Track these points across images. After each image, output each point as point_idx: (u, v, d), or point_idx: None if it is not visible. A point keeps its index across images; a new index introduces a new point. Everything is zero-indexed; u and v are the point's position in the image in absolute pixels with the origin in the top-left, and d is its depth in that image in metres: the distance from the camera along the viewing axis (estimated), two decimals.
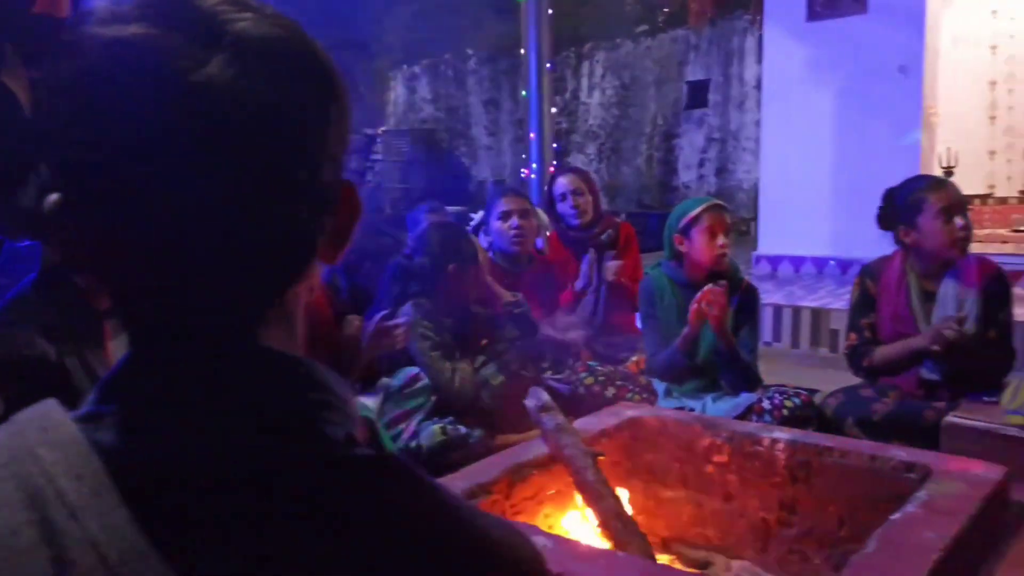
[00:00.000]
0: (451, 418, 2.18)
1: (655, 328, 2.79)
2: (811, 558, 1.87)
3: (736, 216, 10.47)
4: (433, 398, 2.32)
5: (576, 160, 12.41)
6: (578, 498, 1.75)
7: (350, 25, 11.21)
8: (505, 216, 3.12)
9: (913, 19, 5.50)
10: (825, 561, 1.85)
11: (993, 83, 7.30)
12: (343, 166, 0.51)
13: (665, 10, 10.27)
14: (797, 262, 6.08)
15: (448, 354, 2.45)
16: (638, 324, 2.97)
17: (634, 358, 3.14)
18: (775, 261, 6.20)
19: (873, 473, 1.78)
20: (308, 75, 0.48)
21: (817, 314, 4.54)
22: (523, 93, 5.44)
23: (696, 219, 2.69)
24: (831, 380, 2.92)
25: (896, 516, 1.44)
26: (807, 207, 5.98)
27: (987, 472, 1.60)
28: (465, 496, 1.60)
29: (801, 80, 5.97)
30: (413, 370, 2.35)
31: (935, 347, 2.42)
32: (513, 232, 3.09)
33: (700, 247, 2.68)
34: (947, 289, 2.60)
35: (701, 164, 11.13)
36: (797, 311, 4.61)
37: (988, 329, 2.55)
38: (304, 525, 0.40)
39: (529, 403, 1.75)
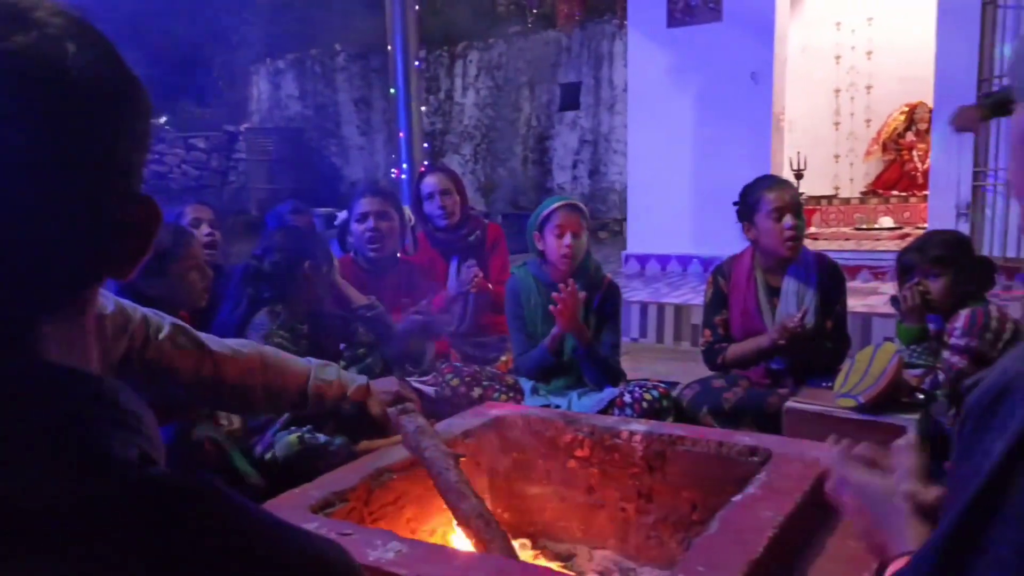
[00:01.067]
0: (309, 427, 2.14)
1: (521, 328, 2.84)
2: (667, 542, 1.97)
3: (608, 216, 10.78)
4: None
5: (451, 160, 12.41)
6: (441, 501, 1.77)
7: (207, 15, 10.78)
8: (362, 218, 3.03)
9: (764, 29, 5.83)
10: (680, 544, 1.94)
11: (837, 91, 7.86)
12: (140, 177, 0.50)
13: (534, 11, 10.42)
14: (663, 260, 6.33)
15: None
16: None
17: (503, 358, 3.18)
18: (643, 260, 6.43)
19: (721, 458, 1.89)
20: (87, 77, 0.45)
21: (680, 310, 4.75)
22: (392, 91, 5.41)
23: (549, 217, 2.75)
24: (693, 372, 3.05)
25: (737, 498, 1.53)
26: (671, 208, 6.23)
27: (821, 453, 1.71)
28: (320, 506, 1.58)
29: (663, 84, 6.22)
30: None
31: (781, 342, 2.59)
32: (369, 235, 3.03)
33: (551, 246, 2.74)
34: (789, 285, 2.78)
35: (575, 165, 11.35)
36: (662, 308, 4.80)
37: (826, 320, 2.74)
38: (88, 551, 0.38)
39: (390, 408, 1.75)
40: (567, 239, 2.71)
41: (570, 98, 11.22)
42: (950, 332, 2.33)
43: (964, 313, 2.30)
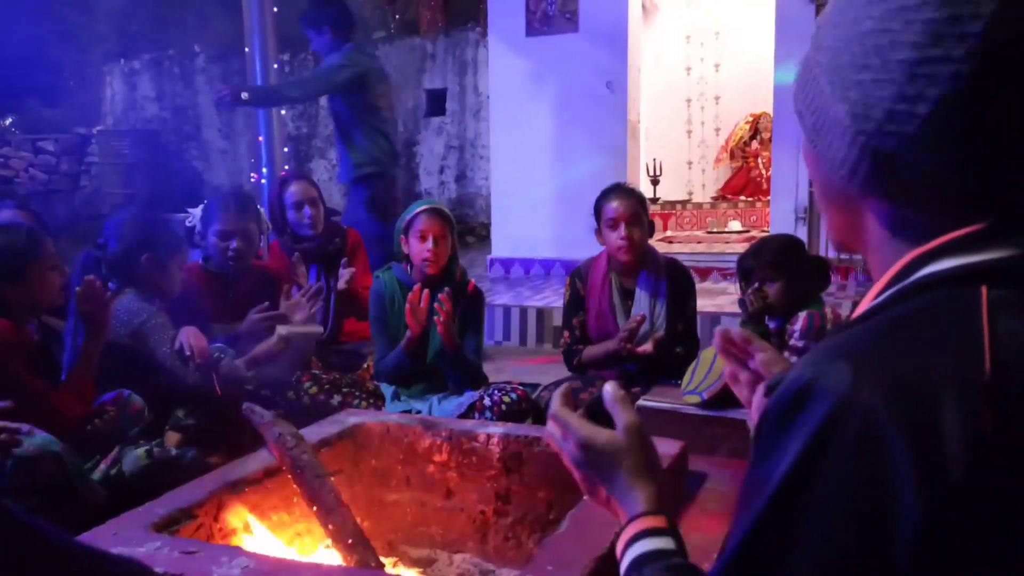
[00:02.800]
0: (158, 440, 2.03)
1: (384, 332, 2.80)
2: (524, 543, 1.98)
3: (476, 221, 10.83)
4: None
5: (318, 165, 12.13)
6: (301, 512, 1.71)
7: (53, 12, 10.08)
8: (223, 236, 2.87)
9: (618, 41, 6.01)
10: (537, 544, 1.96)
11: (688, 101, 8.22)
12: None
13: (397, 17, 10.34)
14: (527, 264, 6.41)
15: None
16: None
17: (366, 364, 3.13)
18: (507, 264, 6.49)
19: None
20: None
21: (542, 313, 4.82)
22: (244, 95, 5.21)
23: (413, 222, 2.74)
24: (556, 373, 3.10)
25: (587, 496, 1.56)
26: (534, 213, 6.32)
27: (668, 447, 1.77)
28: (164, 523, 1.49)
29: (523, 92, 6.30)
30: (113, 392, 2.15)
31: (627, 345, 2.67)
32: (231, 254, 2.87)
33: (414, 250, 2.73)
34: (642, 288, 2.87)
35: (442, 171, 11.34)
36: (524, 311, 4.86)
37: (677, 322, 2.85)
38: None
39: (252, 415, 1.68)
40: (430, 243, 2.70)
41: (436, 104, 11.20)
42: (790, 334, 2.46)
43: (802, 316, 2.43)
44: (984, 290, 0.53)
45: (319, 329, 2.71)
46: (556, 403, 0.85)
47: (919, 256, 0.58)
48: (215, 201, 2.96)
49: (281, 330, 2.46)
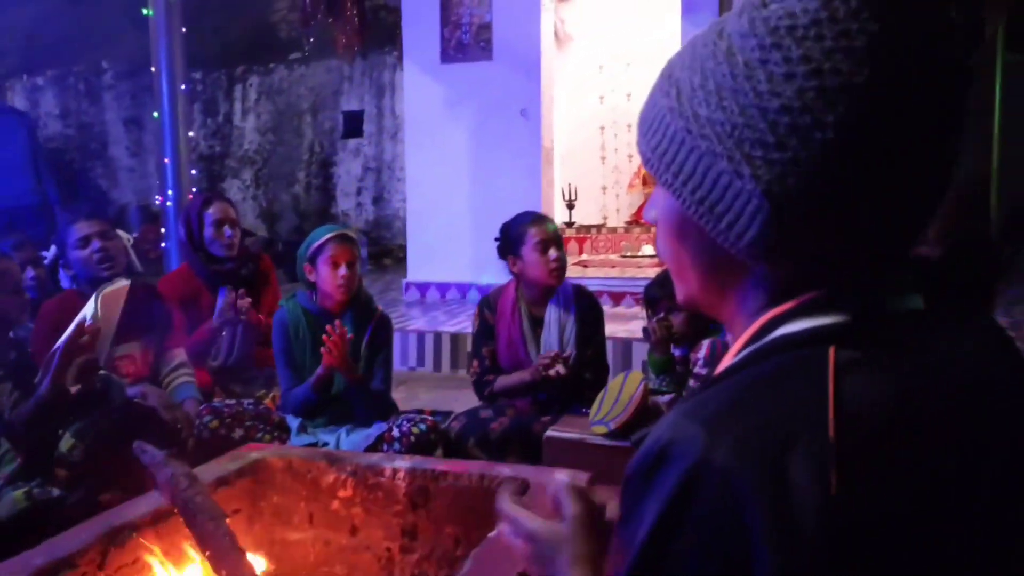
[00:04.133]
0: (38, 479, 1.88)
1: (289, 362, 2.72)
2: None
3: (393, 243, 10.74)
4: (19, 459, 1.99)
5: (231, 185, 11.83)
6: (195, 555, 1.62)
7: None
8: (83, 242, 2.65)
9: (531, 69, 6.09)
10: None
11: (602, 128, 8.36)
12: None
13: (311, 40, 10.21)
14: (443, 288, 6.38)
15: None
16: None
17: (272, 393, 3.03)
18: (423, 288, 6.44)
19: (483, 491, 1.88)
20: None
21: (457, 339, 4.78)
22: (155, 115, 5.04)
23: (321, 248, 2.67)
24: (469, 401, 3.06)
25: (492, 533, 1.53)
26: (450, 236, 6.30)
27: (574, 478, 1.75)
28: (42, 575, 1.39)
29: (439, 117, 6.31)
30: None
31: (544, 373, 2.66)
32: (98, 256, 2.64)
33: (324, 277, 2.66)
34: (551, 315, 2.87)
35: (359, 192, 11.23)
36: (439, 336, 4.82)
37: (586, 349, 2.85)
38: None
39: (143, 455, 1.58)
40: (342, 270, 2.64)
41: (353, 126, 11.11)
42: (694, 361, 2.49)
43: (705, 344, 2.47)
44: (832, 350, 0.54)
45: (125, 282, 2.45)
46: (503, 501, 0.84)
47: (774, 317, 0.59)
48: (63, 218, 2.80)
49: (86, 309, 2.18)
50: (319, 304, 2.73)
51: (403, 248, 9.29)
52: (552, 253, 2.75)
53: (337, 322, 2.57)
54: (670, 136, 0.62)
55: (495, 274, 5.08)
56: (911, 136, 0.54)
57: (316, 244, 2.68)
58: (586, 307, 2.89)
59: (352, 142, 11.19)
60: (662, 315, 2.56)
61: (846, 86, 0.53)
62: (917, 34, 0.54)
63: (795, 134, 0.54)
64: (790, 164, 0.55)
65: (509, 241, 2.86)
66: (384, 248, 10.81)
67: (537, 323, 2.88)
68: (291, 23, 10.68)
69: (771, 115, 0.55)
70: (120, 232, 2.87)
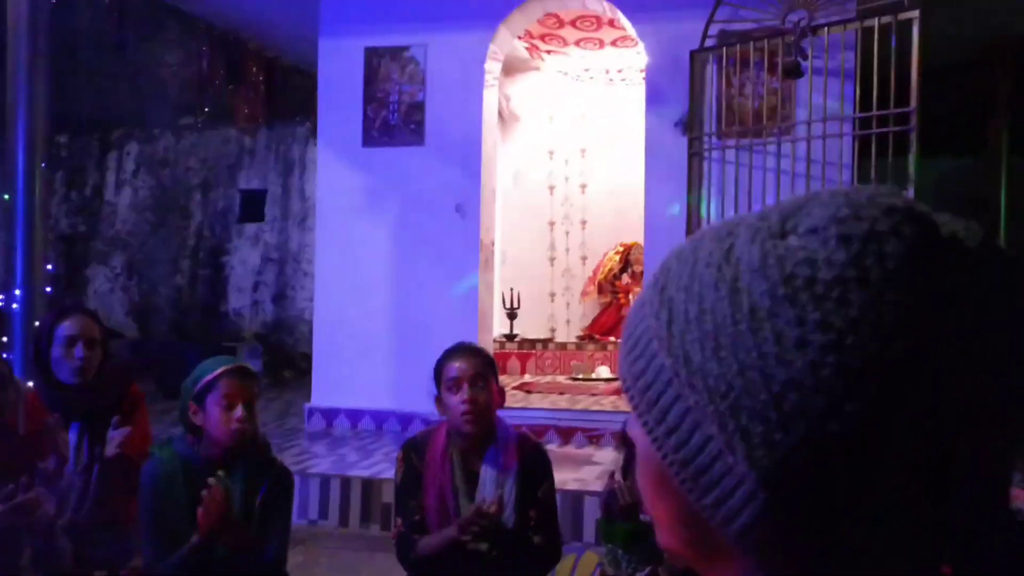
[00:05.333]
0: None
1: (158, 529, 2.60)
2: None
3: (295, 350, 10.61)
4: None
5: (97, 273, 11.63)
6: None
7: None
8: None
9: (470, 154, 6.24)
10: None
11: (552, 224, 8.53)
12: None
13: (206, 109, 10.31)
14: (354, 416, 6.29)
15: None
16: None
17: (133, 562, 2.91)
18: (330, 415, 6.34)
19: None
20: None
21: (369, 485, 4.68)
22: (6, 196, 4.96)
23: (212, 385, 2.61)
24: (384, 566, 2.96)
25: None
26: (365, 349, 6.26)
27: None
28: None
29: (357, 206, 6.37)
30: None
31: (474, 528, 2.60)
32: None
33: (215, 420, 2.58)
34: (488, 468, 2.83)
35: (256, 288, 11.13)
36: (347, 482, 4.71)
37: (528, 508, 2.82)
38: None
39: None
40: (237, 411, 2.57)
41: (253, 208, 11.12)
42: None
43: None
44: None
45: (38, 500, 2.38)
46: None
47: None
48: None
49: None
50: (205, 453, 2.65)
51: (307, 357, 9.18)
52: (463, 392, 2.75)
53: (220, 473, 2.49)
54: (655, 370, 0.61)
55: (422, 400, 4.99)
56: (953, 436, 0.54)
57: (207, 379, 2.62)
58: (531, 461, 2.87)
59: (250, 227, 11.17)
60: (631, 479, 2.54)
61: (873, 368, 0.52)
62: (964, 305, 0.54)
63: (804, 418, 0.53)
64: (796, 452, 0.54)
65: (435, 378, 2.86)
66: (285, 356, 10.66)
67: (471, 476, 2.84)
68: (184, 81, 10.79)
69: (776, 386, 0.54)
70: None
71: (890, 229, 0.54)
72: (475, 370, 2.78)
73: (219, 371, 2.62)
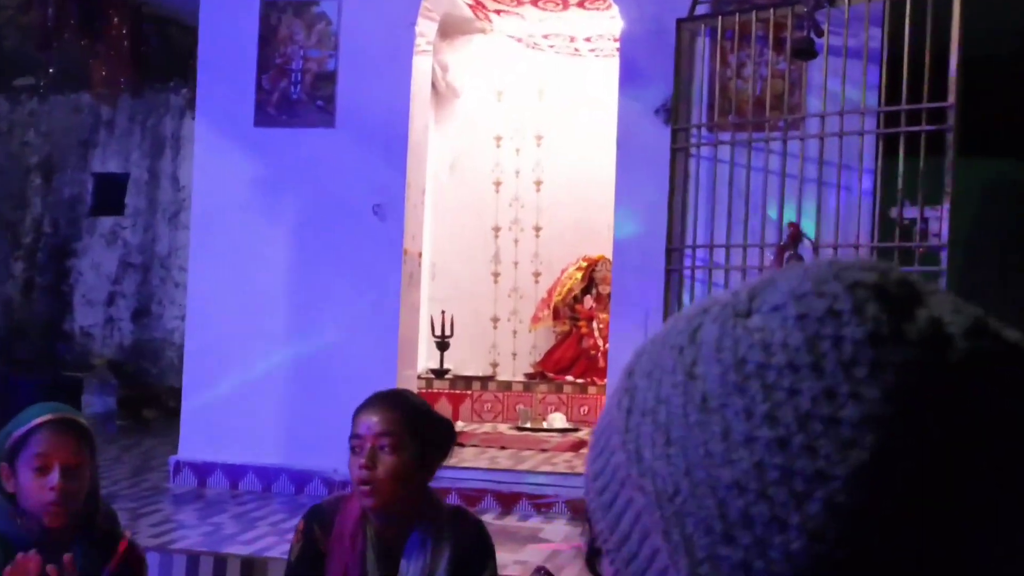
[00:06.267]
0: None
1: None
2: None
3: (162, 384, 10.49)
4: None
5: None
6: None
7: None
8: None
9: (393, 142, 6.25)
10: None
11: (496, 230, 8.56)
12: None
13: (51, 69, 10.17)
14: (234, 473, 6.25)
15: None
16: None
17: None
18: (203, 471, 6.28)
19: None
20: None
21: (251, 566, 4.65)
22: None
23: (25, 441, 2.58)
24: None
25: None
26: (251, 388, 6.21)
27: None
28: None
29: (245, 205, 6.34)
30: None
31: None
32: None
33: (25, 488, 2.56)
34: (412, 549, 2.83)
35: (111, 301, 11.02)
36: (222, 562, 4.67)
37: None
38: None
39: None
40: (55, 476, 2.54)
41: (110, 197, 11.01)
42: None
43: None
44: None
45: None
46: None
47: None
48: None
49: None
50: (26, 527, 2.61)
51: (176, 393, 9.07)
52: (360, 457, 2.77)
53: (68, 557, 2.46)
54: (613, 468, 0.65)
55: (325, 454, 5.03)
56: (921, 557, 0.56)
57: (18, 434, 2.59)
58: (468, 545, 2.88)
59: (106, 221, 11.07)
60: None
61: (821, 477, 0.55)
62: (940, 404, 0.56)
63: (748, 528, 0.56)
64: (741, 570, 0.57)
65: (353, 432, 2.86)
66: (146, 391, 10.54)
67: (390, 559, 2.85)
68: (23, 31, 10.63)
69: (721, 490, 0.57)
70: None
71: (851, 308, 0.57)
72: (385, 428, 2.77)
73: (35, 423, 2.60)
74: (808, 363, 0.57)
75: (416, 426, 2.89)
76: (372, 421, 2.81)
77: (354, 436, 2.79)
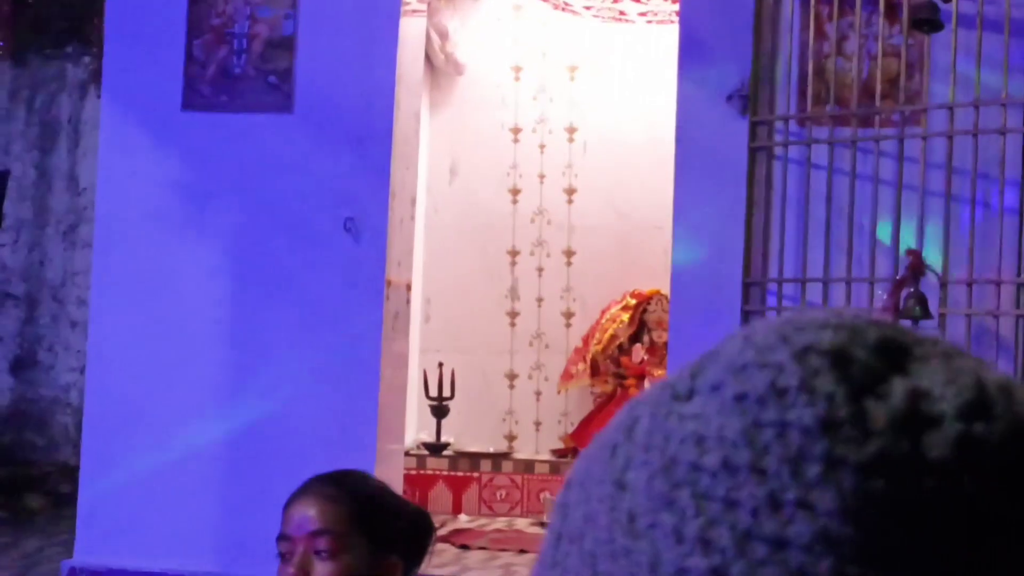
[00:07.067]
0: None
1: None
2: None
3: (52, 460, 10.57)
4: None
5: None
6: None
7: None
8: None
9: (371, 134, 6.29)
10: None
11: (514, 255, 8.58)
12: None
13: None
14: None
15: None
16: None
17: None
18: None
19: None
20: None
21: None
22: None
23: None
24: None
25: None
26: (174, 468, 6.25)
27: None
28: None
29: (169, 216, 6.38)
30: None
31: None
32: None
33: None
34: None
35: None
36: None
37: None
38: None
39: None
40: None
41: None
42: None
43: None
44: None
45: None
46: None
47: None
48: None
49: None
50: None
51: (72, 474, 9.16)
52: (288, 567, 2.84)
53: None
54: None
55: (272, 562, 5.03)
56: None
57: None
58: None
59: None
60: None
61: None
62: (916, 519, 0.57)
63: None
64: None
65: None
66: (30, 472, 10.63)
67: None
68: None
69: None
70: None
71: (798, 384, 0.57)
72: (322, 525, 2.84)
73: None
74: (746, 462, 0.57)
75: (368, 520, 2.97)
76: (305, 516, 2.85)
77: (282, 537, 2.86)
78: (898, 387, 0.56)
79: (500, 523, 7.83)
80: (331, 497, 2.89)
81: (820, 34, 5.59)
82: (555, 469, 8.16)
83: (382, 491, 3.02)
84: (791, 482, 0.55)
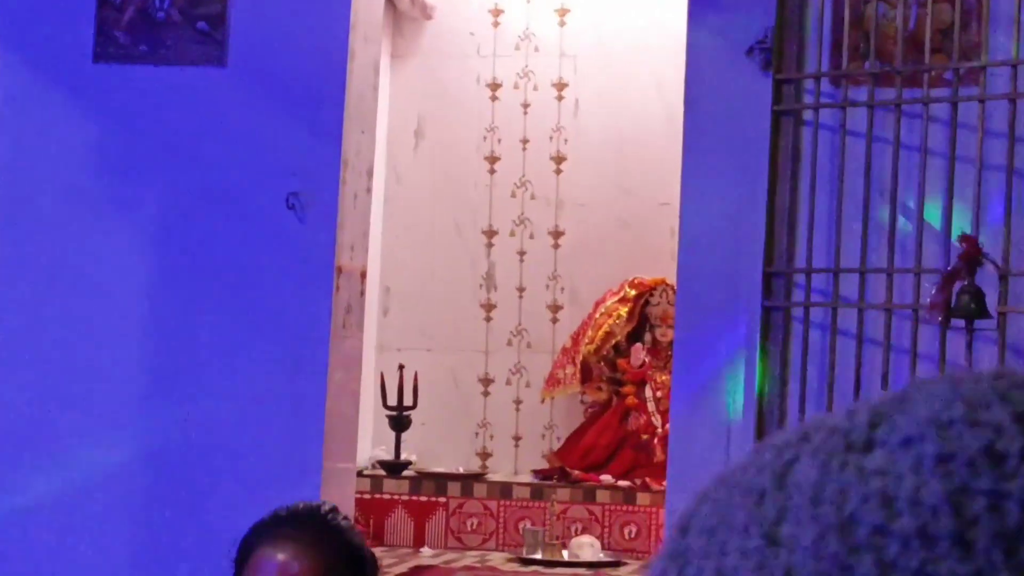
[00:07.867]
0: None
1: None
2: None
3: None
4: None
5: None
6: None
7: None
8: None
9: (319, 92, 6.31)
10: None
11: (491, 234, 8.61)
12: None
13: None
14: None
15: None
16: None
17: None
18: None
19: None
20: None
21: None
22: None
23: None
24: None
25: None
26: (80, 498, 6.21)
27: None
28: None
29: (79, 190, 6.35)
30: None
31: None
32: None
33: None
34: None
35: None
36: None
37: None
38: None
39: None
40: None
41: None
42: None
43: None
44: None
45: None
46: None
47: None
48: None
49: None
50: None
51: None
52: None
53: None
54: None
55: None
56: None
57: None
58: None
59: None
60: None
61: None
62: None
63: None
64: None
65: (236, 570, 2.96)
66: None
67: None
68: None
69: None
70: None
71: (1020, 451, 0.56)
72: (299, 570, 2.87)
73: None
74: (949, 532, 0.56)
75: (351, 569, 2.99)
76: (286, 564, 2.89)
77: None
78: None
79: (471, 558, 7.83)
80: (312, 544, 2.93)
81: None
82: (537, 494, 8.15)
83: (356, 532, 3.07)
84: (1003, 562, 0.54)
